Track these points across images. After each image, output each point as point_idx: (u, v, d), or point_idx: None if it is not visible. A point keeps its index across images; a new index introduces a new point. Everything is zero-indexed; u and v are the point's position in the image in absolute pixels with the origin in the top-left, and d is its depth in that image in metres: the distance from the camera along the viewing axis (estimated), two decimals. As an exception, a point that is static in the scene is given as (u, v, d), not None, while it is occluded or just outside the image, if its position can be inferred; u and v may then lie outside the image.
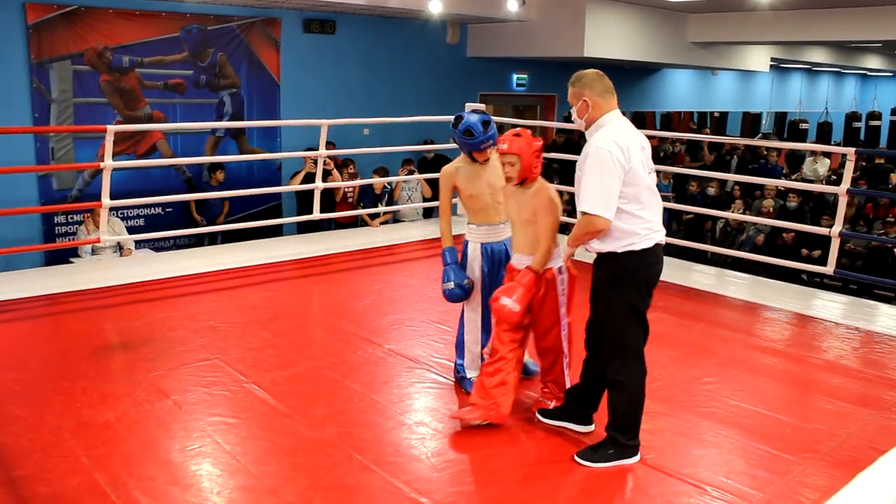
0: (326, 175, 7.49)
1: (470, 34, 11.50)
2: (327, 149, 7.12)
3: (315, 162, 7.27)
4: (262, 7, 8.95)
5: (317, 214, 6.82)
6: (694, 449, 3.27)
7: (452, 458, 3.15)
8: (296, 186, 8.01)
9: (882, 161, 11.91)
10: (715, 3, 10.75)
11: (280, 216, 9.18)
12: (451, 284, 3.65)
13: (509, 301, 3.25)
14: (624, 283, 3.02)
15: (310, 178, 7.49)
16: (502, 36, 11.08)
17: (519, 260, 3.41)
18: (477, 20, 10.73)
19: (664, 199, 4.07)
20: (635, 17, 11.00)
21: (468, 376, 3.75)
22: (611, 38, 10.63)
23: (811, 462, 3.18)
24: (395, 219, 8.43)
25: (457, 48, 11.42)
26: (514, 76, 12.32)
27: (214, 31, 8.83)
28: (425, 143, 9.71)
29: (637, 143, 3.02)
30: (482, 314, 3.74)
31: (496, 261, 3.71)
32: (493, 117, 3.77)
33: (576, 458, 3.12)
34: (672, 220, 10.05)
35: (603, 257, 3.07)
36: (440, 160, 9.69)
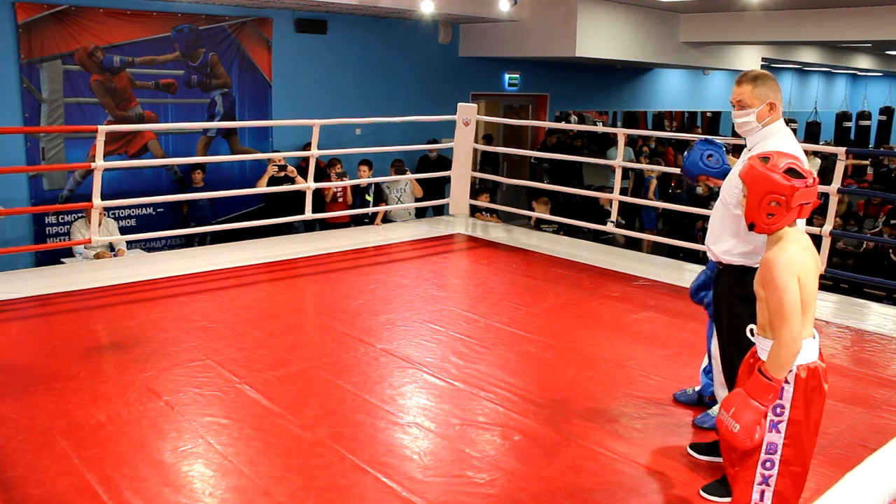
0: (290, 181, 7.37)
1: (462, 34, 11.51)
2: (306, 150, 7.04)
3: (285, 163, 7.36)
4: (253, 7, 8.93)
5: (308, 215, 6.82)
6: (687, 448, 3.28)
7: (445, 458, 3.15)
8: (276, 188, 7.85)
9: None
10: (706, 3, 10.79)
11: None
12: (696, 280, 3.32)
13: (726, 416, 2.34)
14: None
15: (274, 181, 7.39)
16: (494, 36, 11.10)
17: (758, 342, 2.49)
18: (469, 20, 10.73)
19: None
20: (627, 17, 11.04)
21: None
22: (602, 37, 10.66)
23: (802, 460, 3.18)
24: (387, 219, 8.42)
25: (448, 48, 11.42)
26: (506, 76, 12.33)
27: (206, 30, 8.81)
28: (430, 142, 9.62)
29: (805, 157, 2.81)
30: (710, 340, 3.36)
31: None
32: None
33: (702, 493, 2.87)
34: (660, 219, 10.12)
35: (736, 269, 2.90)
36: (443, 162, 9.51)
